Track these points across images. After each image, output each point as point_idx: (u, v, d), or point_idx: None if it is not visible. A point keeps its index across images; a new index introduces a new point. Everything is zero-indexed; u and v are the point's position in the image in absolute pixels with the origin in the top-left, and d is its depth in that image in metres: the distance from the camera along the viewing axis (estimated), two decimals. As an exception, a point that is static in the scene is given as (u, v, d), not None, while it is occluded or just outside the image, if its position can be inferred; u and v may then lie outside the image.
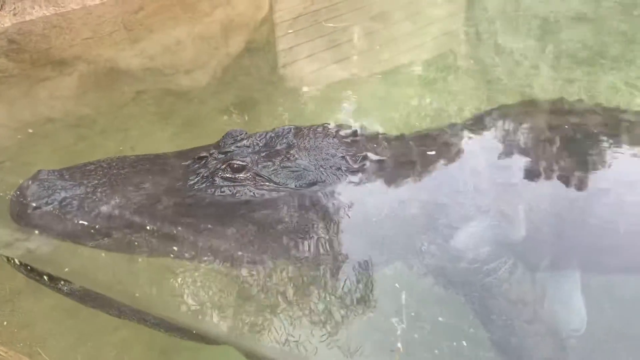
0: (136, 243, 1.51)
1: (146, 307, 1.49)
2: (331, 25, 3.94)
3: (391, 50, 4.14)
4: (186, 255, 1.52)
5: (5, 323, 2.37)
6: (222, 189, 1.64)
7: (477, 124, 2.11)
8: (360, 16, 4.61)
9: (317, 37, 4.25)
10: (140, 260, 1.53)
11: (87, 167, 1.73)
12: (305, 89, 3.75)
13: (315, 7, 4.76)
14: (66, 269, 1.49)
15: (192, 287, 1.50)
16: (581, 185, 1.87)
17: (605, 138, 2.04)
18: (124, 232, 1.52)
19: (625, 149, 2.03)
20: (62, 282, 1.54)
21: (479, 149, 1.90)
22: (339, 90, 3.60)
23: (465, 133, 1.96)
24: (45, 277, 1.55)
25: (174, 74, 3.27)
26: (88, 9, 3.46)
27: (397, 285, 1.57)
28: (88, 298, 1.58)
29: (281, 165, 1.68)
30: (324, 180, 1.66)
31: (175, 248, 1.51)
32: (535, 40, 3.96)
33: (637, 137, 2.09)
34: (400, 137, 1.93)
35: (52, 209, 1.52)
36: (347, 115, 3.35)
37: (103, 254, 1.48)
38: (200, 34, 3.56)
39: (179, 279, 1.52)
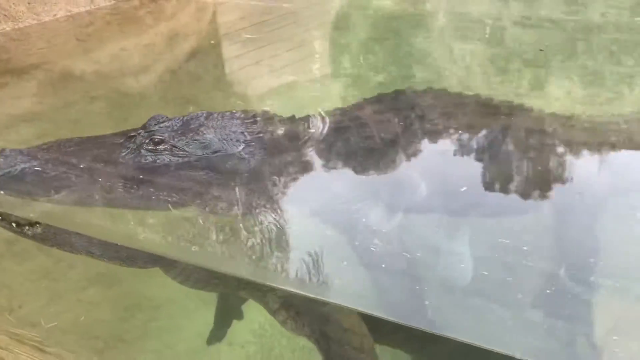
0: (79, 197, 2.04)
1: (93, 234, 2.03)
2: (249, 36, 4.49)
3: (326, 58, 4.74)
4: (116, 203, 2.06)
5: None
6: (147, 158, 2.18)
7: (354, 108, 2.70)
8: (300, 27, 5.20)
9: (260, 46, 4.82)
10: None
11: (42, 147, 2.23)
12: (248, 92, 4.29)
13: (257, 20, 5.34)
14: (31, 214, 2.00)
15: (125, 221, 2.06)
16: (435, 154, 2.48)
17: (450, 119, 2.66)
18: (71, 190, 2.04)
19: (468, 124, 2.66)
20: (27, 227, 2.03)
21: (350, 125, 2.49)
22: (278, 92, 4.16)
23: (340, 114, 2.55)
24: (13, 224, 2.04)
25: (122, 77, 3.78)
26: (43, 24, 3.95)
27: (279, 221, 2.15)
28: (47, 238, 2.08)
29: (192, 139, 2.23)
30: (225, 149, 2.22)
31: (109, 199, 2.05)
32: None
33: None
34: (292, 118, 2.50)
35: (14, 175, 2.03)
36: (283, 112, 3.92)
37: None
38: (146, 43, 4.09)
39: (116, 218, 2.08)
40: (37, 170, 2.06)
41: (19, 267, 3.32)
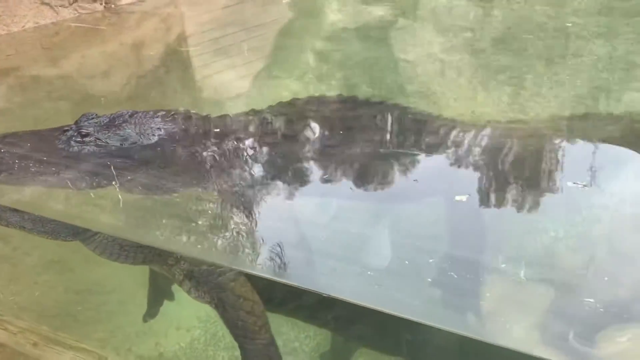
0: (15, 178, 2.46)
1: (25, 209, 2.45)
2: (186, 49, 4.91)
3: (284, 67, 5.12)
4: (46, 184, 2.49)
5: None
6: (74, 147, 2.60)
7: (271, 110, 3.10)
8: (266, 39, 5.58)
9: (230, 55, 5.21)
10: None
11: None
12: (216, 97, 4.69)
13: (230, 30, 5.74)
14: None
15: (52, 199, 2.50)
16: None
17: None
18: (9, 172, 2.46)
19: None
20: None
21: (256, 122, 2.89)
22: (245, 96, 4.56)
23: (252, 114, 2.96)
24: None
25: (85, 81, 4.21)
26: (12, 34, 4.43)
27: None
28: None
29: (114, 132, 2.64)
30: (141, 142, 2.64)
31: (41, 181, 2.47)
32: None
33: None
34: (206, 117, 2.91)
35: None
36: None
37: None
38: (109, 52, 4.52)
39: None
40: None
41: (-22, 252, 3.74)
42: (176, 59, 4.99)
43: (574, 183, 2.56)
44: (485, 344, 2.88)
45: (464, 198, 2.38)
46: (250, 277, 2.67)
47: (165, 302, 3.65)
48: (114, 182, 2.52)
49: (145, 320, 3.54)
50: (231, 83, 4.73)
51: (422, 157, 2.85)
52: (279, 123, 2.94)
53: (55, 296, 3.86)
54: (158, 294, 3.56)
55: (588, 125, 3.25)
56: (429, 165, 2.89)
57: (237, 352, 3.76)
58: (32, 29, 4.49)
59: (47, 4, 4.37)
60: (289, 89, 4.74)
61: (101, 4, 4.70)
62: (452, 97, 4.00)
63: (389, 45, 5.19)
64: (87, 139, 2.62)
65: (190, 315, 4.12)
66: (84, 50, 4.42)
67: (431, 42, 5.18)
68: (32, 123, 3.69)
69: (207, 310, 4.17)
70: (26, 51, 4.35)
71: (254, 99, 4.52)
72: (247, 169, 2.66)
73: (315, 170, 2.73)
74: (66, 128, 2.69)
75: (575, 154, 2.93)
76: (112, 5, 4.81)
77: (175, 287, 3.56)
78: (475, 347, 2.94)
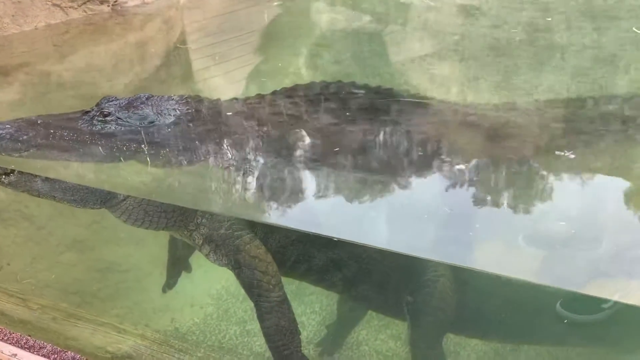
0: (43, 153, 2.67)
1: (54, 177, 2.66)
2: (184, 46, 5.17)
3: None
4: (72, 157, 2.71)
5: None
6: (97, 126, 2.82)
7: (276, 94, 3.34)
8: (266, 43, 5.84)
9: (228, 54, 5.46)
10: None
11: (17, 119, 2.87)
12: (215, 92, 4.92)
13: (227, 37, 6.00)
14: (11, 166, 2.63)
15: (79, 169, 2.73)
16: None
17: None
18: (36, 148, 2.67)
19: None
20: (3, 176, 2.63)
21: (260, 105, 3.14)
22: (243, 91, 4.77)
23: (256, 98, 3.21)
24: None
25: (93, 75, 4.43)
26: (25, 33, 4.65)
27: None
28: (19, 185, 2.68)
29: (133, 112, 2.87)
30: (159, 121, 2.87)
31: (67, 154, 2.69)
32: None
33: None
34: (216, 101, 3.15)
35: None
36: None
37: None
38: (115, 49, 4.76)
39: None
40: (12, 134, 2.70)
41: (6, 231, 3.91)
42: (176, 58, 5.24)
43: (562, 153, 2.82)
44: (480, 301, 3.14)
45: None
46: (264, 242, 2.90)
47: (180, 282, 3.86)
48: (134, 155, 2.75)
49: (164, 290, 3.74)
50: (229, 79, 4.99)
51: (415, 130, 3.14)
52: (284, 104, 3.20)
53: (76, 274, 4.03)
54: (177, 266, 3.76)
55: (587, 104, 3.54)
56: (421, 138, 3.17)
57: (248, 326, 3.99)
58: (43, 28, 4.71)
59: (58, 6, 4.62)
60: (284, 83, 5.02)
61: (108, 5, 4.96)
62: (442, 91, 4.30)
63: (377, 44, 5.50)
64: (108, 118, 2.84)
65: (203, 294, 4.36)
66: (92, 47, 4.65)
67: (421, 43, 5.50)
68: (46, 112, 3.92)
69: (218, 289, 4.40)
70: (38, 49, 4.57)
71: (252, 93, 4.80)
72: (255, 144, 2.91)
73: (318, 145, 2.99)
74: (88, 109, 2.92)
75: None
76: (119, 7, 5.06)
77: (192, 259, 3.77)
78: (471, 308, 3.20)
